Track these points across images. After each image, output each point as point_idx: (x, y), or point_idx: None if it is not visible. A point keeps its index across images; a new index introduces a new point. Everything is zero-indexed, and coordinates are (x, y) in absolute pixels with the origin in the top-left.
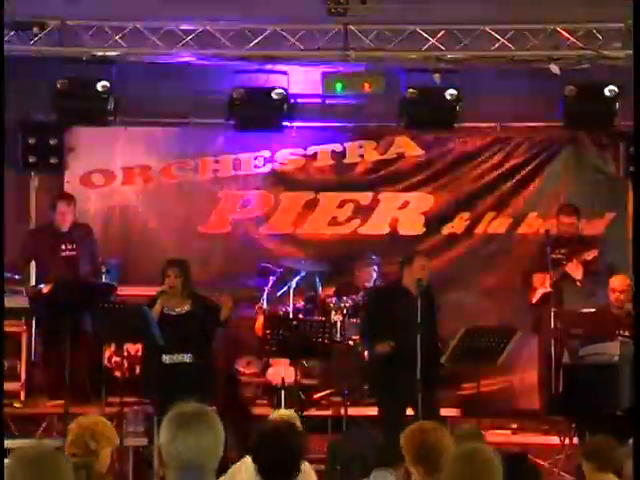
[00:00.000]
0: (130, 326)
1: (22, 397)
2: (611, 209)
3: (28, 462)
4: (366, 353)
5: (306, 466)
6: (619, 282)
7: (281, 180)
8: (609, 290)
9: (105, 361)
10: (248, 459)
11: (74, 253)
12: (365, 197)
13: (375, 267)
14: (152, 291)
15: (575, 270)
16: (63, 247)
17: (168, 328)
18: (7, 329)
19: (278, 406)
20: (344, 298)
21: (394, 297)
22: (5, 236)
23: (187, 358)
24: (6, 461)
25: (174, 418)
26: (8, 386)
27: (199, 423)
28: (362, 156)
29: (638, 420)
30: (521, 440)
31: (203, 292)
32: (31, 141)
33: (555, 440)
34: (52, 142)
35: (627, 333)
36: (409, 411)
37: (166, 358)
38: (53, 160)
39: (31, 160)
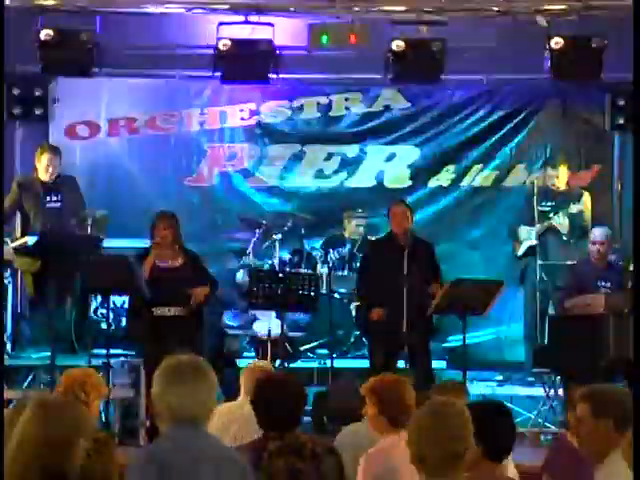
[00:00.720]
0: (116, 278)
1: (8, 349)
2: (597, 161)
3: (53, 408)
4: (352, 305)
5: None
6: (600, 234)
7: (267, 132)
8: (590, 242)
9: (91, 313)
10: (221, 407)
11: (58, 205)
12: (351, 150)
13: (362, 220)
14: (138, 243)
15: (561, 223)
16: (48, 199)
17: (159, 281)
18: None
19: (264, 359)
20: (331, 251)
21: (385, 249)
22: None
23: (177, 311)
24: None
25: (167, 370)
26: None
27: (192, 375)
28: (348, 108)
29: (637, 412)
30: (506, 392)
31: (192, 247)
32: (15, 92)
33: (540, 392)
34: (37, 93)
35: (608, 284)
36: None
37: (156, 310)
38: (38, 111)
39: (15, 111)
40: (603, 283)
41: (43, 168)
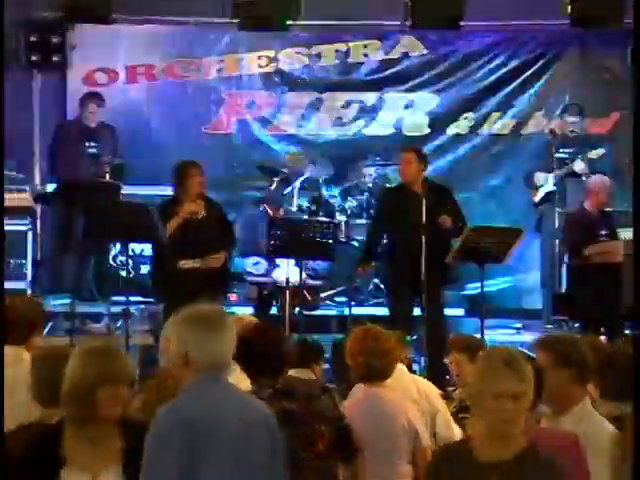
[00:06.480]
0: (136, 226)
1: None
2: (617, 108)
3: (98, 352)
4: None
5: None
6: (599, 182)
7: (285, 80)
8: (587, 190)
9: (110, 260)
10: None
11: (95, 151)
12: (370, 97)
13: (378, 168)
14: (156, 191)
15: (582, 167)
16: (87, 144)
17: (184, 232)
18: (13, 228)
19: (283, 307)
20: (348, 199)
21: (398, 197)
22: (8, 134)
23: (199, 263)
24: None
25: (194, 319)
26: (15, 285)
27: (220, 324)
28: (367, 55)
29: (637, 411)
30: (524, 339)
31: (210, 195)
32: (33, 39)
33: None
34: (54, 40)
35: (605, 232)
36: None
37: (180, 263)
38: (55, 58)
39: (34, 58)
40: (601, 231)
41: (86, 114)
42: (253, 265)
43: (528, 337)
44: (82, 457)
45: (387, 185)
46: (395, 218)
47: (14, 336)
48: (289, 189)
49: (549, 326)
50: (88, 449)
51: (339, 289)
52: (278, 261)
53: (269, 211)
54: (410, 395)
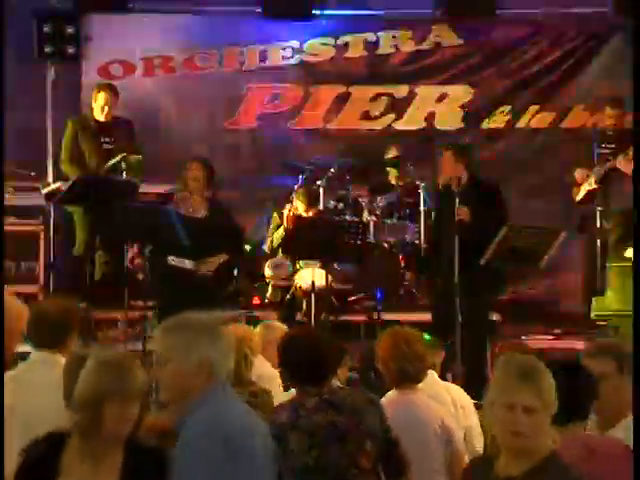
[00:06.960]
0: (153, 226)
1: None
2: None
3: (110, 365)
4: (400, 257)
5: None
6: None
7: (311, 72)
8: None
9: (127, 263)
10: None
11: (111, 147)
12: (400, 90)
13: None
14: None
15: (626, 165)
16: (102, 139)
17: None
18: (24, 229)
19: (308, 312)
20: (378, 197)
21: (443, 197)
22: (20, 129)
23: (191, 265)
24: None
25: (214, 327)
26: (27, 289)
27: (220, 331)
28: (397, 46)
29: (637, 410)
30: (565, 345)
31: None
32: (47, 30)
33: None
34: (69, 31)
35: None
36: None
37: (171, 260)
38: (70, 50)
39: (47, 50)
40: None
41: (99, 107)
42: (276, 267)
43: (568, 343)
44: (79, 470)
45: (418, 182)
46: (438, 218)
47: (46, 340)
48: (315, 187)
49: (591, 331)
50: (87, 462)
51: (368, 293)
52: (303, 263)
53: (294, 210)
54: (444, 404)
